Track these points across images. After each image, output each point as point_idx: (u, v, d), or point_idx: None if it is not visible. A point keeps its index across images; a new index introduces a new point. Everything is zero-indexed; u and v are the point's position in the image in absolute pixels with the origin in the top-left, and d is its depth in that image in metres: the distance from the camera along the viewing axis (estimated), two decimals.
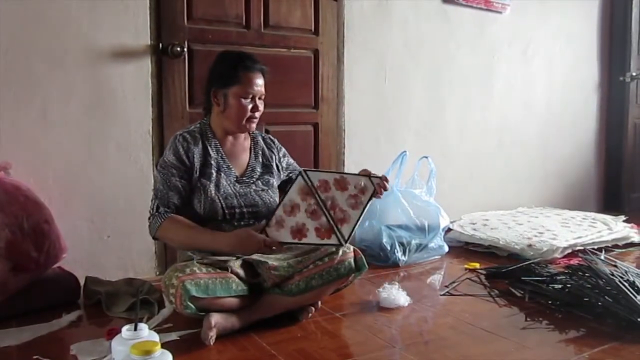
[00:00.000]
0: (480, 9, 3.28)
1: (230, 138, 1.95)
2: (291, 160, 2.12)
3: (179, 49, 2.30)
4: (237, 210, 1.87)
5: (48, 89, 2.11)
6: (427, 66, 3.13)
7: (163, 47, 2.31)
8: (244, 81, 1.86)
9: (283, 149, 2.10)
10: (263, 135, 2.10)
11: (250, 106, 1.88)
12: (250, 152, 1.99)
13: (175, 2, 2.34)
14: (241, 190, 1.90)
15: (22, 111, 2.08)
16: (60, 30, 2.12)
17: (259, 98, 1.91)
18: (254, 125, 1.92)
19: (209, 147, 1.88)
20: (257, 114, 1.91)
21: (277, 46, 2.62)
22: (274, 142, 2.08)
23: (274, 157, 2.04)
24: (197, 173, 1.85)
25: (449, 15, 3.17)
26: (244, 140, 1.99)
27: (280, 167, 2.06)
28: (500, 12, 3.37)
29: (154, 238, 1.87)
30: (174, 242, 1.86)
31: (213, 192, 1.84)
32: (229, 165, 1.91)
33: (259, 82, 1.90)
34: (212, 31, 2.43)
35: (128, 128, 2.27)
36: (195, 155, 1.85)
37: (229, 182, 1.88)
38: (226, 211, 1.85)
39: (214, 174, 1.86)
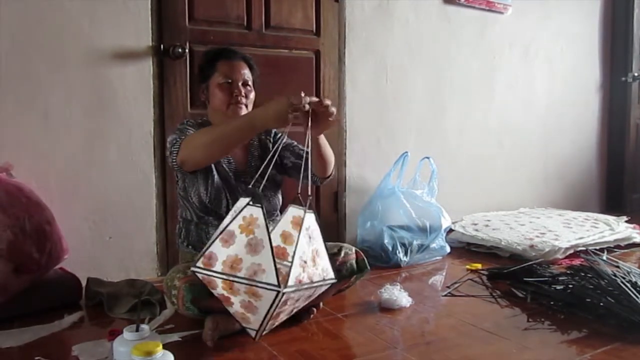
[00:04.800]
0: (482, 9, 3.28)
1: None
2: (289, 140, 1.99)
3: (180, 50, 2.31)
4: None
5: (49, 90, 2.12)
6: (428, 67, 3.12)
7: (164, 48, 2.31)
8: (220, 69, 1.84)
9: (280, 134, 2.02)
10: None
11: (231, 91, 1.83)
12: (248, 148, 1.97)
13: (177, 3, 2.35)
14: (243, 185, 1.89)
15: (24, 113, 2.08)
16: (61, 32, 2.12)
17: (244, 85, 1.85)
18: (241, 112, 1.84)
19: None
20: (243, 99, 1.84)
21: (279, 47, 2.62)
22: (269, 130, 2.02)
23: (268, 142, 1.99)
24: None
25: (449, 16, 3.17)
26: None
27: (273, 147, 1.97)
28: (501, 13, 3.37)
29: (180, 165, 1.74)
30: (203, 146, 1.67)
31: (217, 179, 1.84)
32: (229, 160, 1.90)
33: (240, 69, 1.86)
34: (213, 32, 2.43)
35: (129, 129, 2.27)
36: None
37: (230, 177, 1.88)
38: (230, 201, 1.84)
39: (218, 166, 1.86)
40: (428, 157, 2.86)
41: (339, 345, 1.67)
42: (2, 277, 1.77)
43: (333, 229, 2.84)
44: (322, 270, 1.55)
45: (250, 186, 1.88)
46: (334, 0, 2.76)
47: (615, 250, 2.76)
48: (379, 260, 2.55)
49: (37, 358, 1.53)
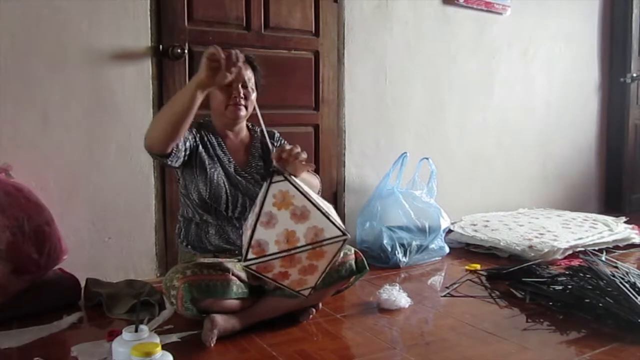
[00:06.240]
0: (481, 10, 3.28)
1: (230, 135, 1.93)
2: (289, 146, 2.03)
3: (179, 50, 2.31)
4: (240, 200, 1.86)
5: (49, 91, 2.12)
6: (427, 67, 3.13)
7: (163, 49, 2.31)
8: None
9: (282, 141, 2.03)
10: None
11: (229, 93, 1.82)
12: (250, 148, 1.97)
13: (176, 3, 2.35)
14: (243, 182, 1.89)
15: (23, 113, 2.08)
16: (60, 32, 2.12)
17: (244, 86, 1.84)
18: (240, 113, 1.84)
19: (213, 140, 1.89)
20: (242, 101, 1.84)
21: (278, 48, 2.62)
22: (273, 134, 2.03)
23: (271, 145, 1.94)
24: (200, 154, 1.84)
25: (449, 17, 3.17)
26: (245, 137, 1.98)
27: None
28: (500, 14, 3.37)
29: (149, 150, 1.72)
30: (160, 121, 1.64)
31: (217, 176, 1.84)
32: (229, 158, 1.90)
33: (240, 70, 1.80)
34: (212, 33, 2.43)
35: (128, 130, 2.27)
36: (198, 136, 1.86)
37: (231, 175, 1.88)
38: (229, 197, 1.84)
39: (218, 164, 1.86)
40: (427, 158, 2.86)
41: (338, 346, 1.67)
42: (1, 278, 1.77)
43: None
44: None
45: (249, 183, 1.89)
46: (332, 1, 2.76)
47: (614, 250, 2.77)
48: (378, 261, 2.56)
49: (36, 359, 1.53)
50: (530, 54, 3.55)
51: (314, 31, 2.72)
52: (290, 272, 1.51)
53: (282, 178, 1.50)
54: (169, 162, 1.75)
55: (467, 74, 3.29)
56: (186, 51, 2.35)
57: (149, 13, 2.28)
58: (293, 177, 1.56)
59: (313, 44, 2.72)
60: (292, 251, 1.46)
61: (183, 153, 1.77)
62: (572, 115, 3.82)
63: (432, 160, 2.86)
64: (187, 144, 1.79)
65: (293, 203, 1.47)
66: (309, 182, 1.78)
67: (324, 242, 1.46)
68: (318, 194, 1.89)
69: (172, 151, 1.70)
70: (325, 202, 1.60)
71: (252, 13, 2.53)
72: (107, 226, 2.26)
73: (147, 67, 2.30)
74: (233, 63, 1.53)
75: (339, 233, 1.47)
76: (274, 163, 1.59)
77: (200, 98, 1.58)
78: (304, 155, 1.62)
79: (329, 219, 1.47)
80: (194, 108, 1.58)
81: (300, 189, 1.49)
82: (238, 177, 1.89)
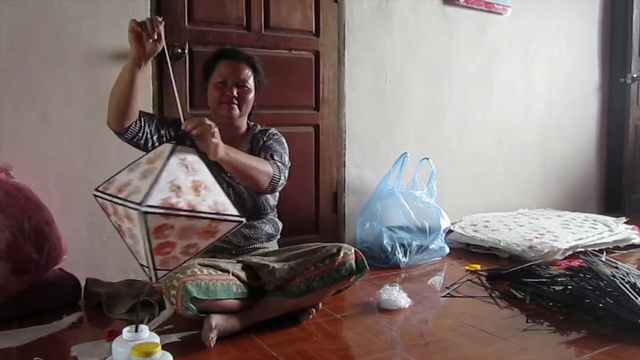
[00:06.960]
0: (481, 10, 3.28)
1: (228, 132, 1.93)
2: (270, 143, 1.95)
3: (179, 50, 2.31)
4: (232, 196, 1.85)
5: (48, 90, 2.12)
6: (428, 67, 3.13)
7: (164, 49, 2.30)
8: (219, 69, 1.87)
9: (272, 136, 1.98)
10: (262, 128, 2.03)
11: (223, 91, 1.84)
12: (241, 144, 1.93)
13: (176, 4, 2.35)
14: (227, 177, 1.88)
15: (23, 113, 2.08)
16: (60, 32, 2.12)
17: (237, 85, 1.86)
18: (232, 112, 1.86)
19: None
20: (234, 100, 1.85)
21: (278, 48, 2.62)
22: (266, 131, 2.00)
23: (260, 140, 1.95)
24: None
25: (449, 17, 3.17)
26: (241, 135, 1.97)
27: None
28: (500, 14, 3.37)
29: (111, 127, 1.77)
30: (111, 100, 1.73)
31: None
32: None
33: (238, 70, 1.87)
34: (212, 33, 2.43)
35: None
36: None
37: (214, 170, 1.87)
38: None
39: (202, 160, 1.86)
40: (427, 158, 2.86)
41: (338, 346, 1.67)
42: (1, 278, 1.77)
43: (332, 229, 2.84)
44: (215, 203, 1.37)
45: (235, 180, 1.88)
46: (333, 1, 2.76)
47: (614, 251, 2.77)
48: (378, 261, 2.56)
49: (35, 358, 1.53)
50: (530, 54, 3.55)
51: (314, 31, 2.72)
52: (122, 227, 1.34)
53: (174, 142, 1.42)
54: (132, 142, 1.78)
55: (467, 74, 3.28)
56: (186, 51, 2.35)
57: (149, 13, 2.28)
58: (194, 150, 1.46)
59: (313, 44, 2.72)
60: (113, 198, 1.30)
61: (151, 138, 1.79)
62: (572, 116, 3.82)
63: (432, 160, 2.86)
64: (162, 131, 1.83)
65: (154, 162, 1.35)
66: (249, 168, 1.71)
67: (120, 201, 1.27)
68: (279, 184, 1.83)
69: (129, 128, 1.74)
70: (210, 183, 1.42)
71: (252, 13, 2.53)
72: (107, 226, 2.24)
73: (147, 67, 2.28)
74: (152, 29, 1.58)
75: (137, 201, 1.24)
76: (182, 127, 1.58)
77: (139, 72, 1.65)
78: (214, 129, 1.58)
79: (150, 187, 1.27)
80: (136, 83, 1.65)
81: (173, 156, 1.35)
82: (223, 173, 1.87)
